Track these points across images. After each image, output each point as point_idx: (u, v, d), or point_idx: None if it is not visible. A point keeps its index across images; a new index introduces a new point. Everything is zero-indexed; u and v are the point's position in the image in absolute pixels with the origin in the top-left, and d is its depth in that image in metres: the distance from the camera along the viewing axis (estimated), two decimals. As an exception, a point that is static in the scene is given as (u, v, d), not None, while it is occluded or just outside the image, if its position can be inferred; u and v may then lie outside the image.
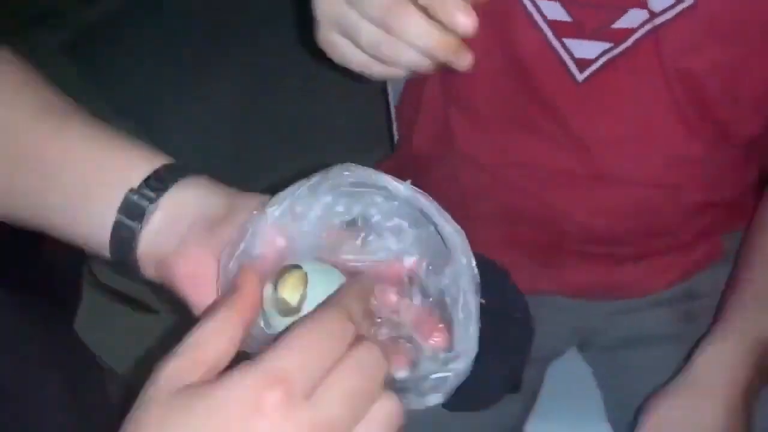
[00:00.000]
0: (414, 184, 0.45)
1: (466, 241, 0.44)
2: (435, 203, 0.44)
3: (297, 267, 0.43)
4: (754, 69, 0.72)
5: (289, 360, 0.34)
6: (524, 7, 0.71)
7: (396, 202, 0.46)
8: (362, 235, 0.46)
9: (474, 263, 0.44)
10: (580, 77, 0.74)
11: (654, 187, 0.80)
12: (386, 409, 0.36)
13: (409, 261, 0.46)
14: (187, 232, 0.47)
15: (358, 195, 0.46)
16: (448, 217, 0.44)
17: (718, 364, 0.71)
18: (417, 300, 0.46)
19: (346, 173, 0.44)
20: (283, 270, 0.42)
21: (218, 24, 2.09)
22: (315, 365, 0.35)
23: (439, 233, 0.45)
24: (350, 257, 0.46)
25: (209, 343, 0.37)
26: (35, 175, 0.50)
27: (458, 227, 0.44)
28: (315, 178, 0.44)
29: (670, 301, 0.87)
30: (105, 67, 2.01)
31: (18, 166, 0.50)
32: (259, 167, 1.78)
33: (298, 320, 0.37)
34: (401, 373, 0.43)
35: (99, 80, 1.97)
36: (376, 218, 0.46)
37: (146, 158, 0.49)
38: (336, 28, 0.53)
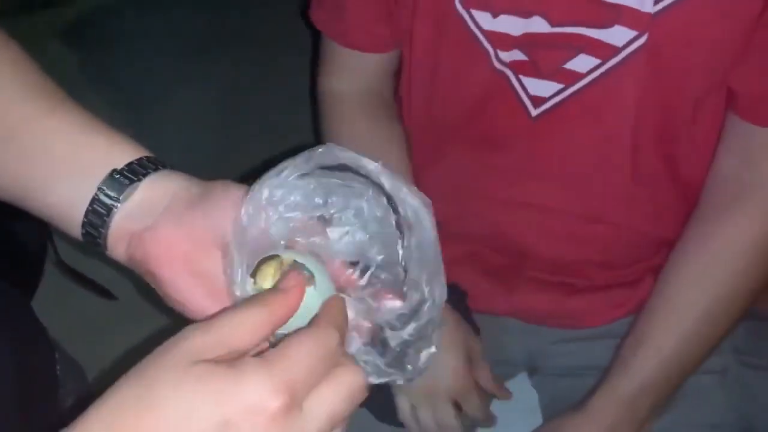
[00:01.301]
0: None
1: (432, 213, 0.49)
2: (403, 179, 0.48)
3: (275, 257, 0.45)
4: (705, 104, 0.76)
5: (297, 371, 0.38)
6: (481, 45, 0.74)
7: (368, 201, 0.49)
8: (330, 229, 0.49)
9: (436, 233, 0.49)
10: (534, 113, 0.77)
11: (601, 223, 0.83)
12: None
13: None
14: (163, 210, 0.49)
15: (336, 187, 0.48)
16: (416, 191, 0.48)
17: (611, 403, 0.79)
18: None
19: (329, 154, 0.47)
20: (261, 261, 0.45)
21: (218, 13, 2.12)
22: (314, 380, 0.39)
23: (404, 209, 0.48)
24: (317, 248, 0.49)
25: (238, 331, 0.39)
26: (17, 150, 0.52)
27: (426, 200, 0.49)
28: (299, 159, 0.47)
29: (616, 335, 0.87)
30: (104, 54, 2.02)
31: (1, 139, 0.52)
32: (249, 156, 1.80)
33: (303, 330, 0.40)
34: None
35: (98, 66, 1.99)
36: (345, 214, 0.49)
37: (130, 146, 0.52)
38: None
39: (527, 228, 0.84)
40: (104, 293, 1.03)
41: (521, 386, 0.97)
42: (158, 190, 0.50)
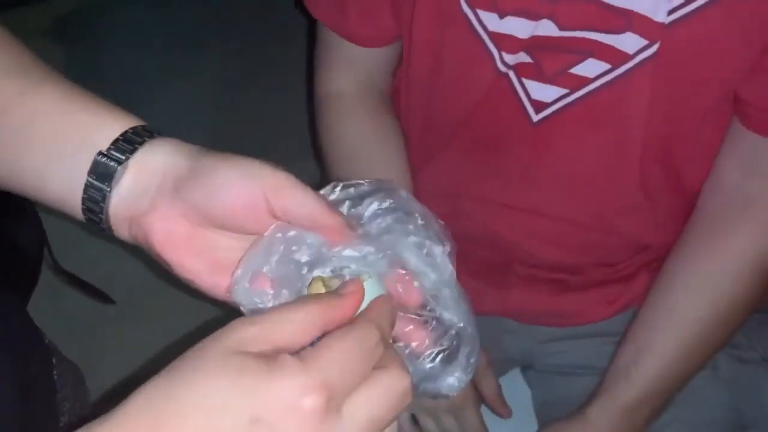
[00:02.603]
0: None
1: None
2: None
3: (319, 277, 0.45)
4: (712, 115, 0.75)
5: (332, 370, 0.36)
6: (486, 46, 0.73)
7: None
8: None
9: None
10: (535, 118, 0.76)
11: (600, 231, 0.82)
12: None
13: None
14: (155, 192, 0.48)
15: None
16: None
17: (611, 413, 0.79)
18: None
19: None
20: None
21: (208, 8, 2.10)
22: (353, 381, 0.37)
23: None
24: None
25: (286, 328, 0.38)
26: (5, 132, 0.50)
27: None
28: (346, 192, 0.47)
29: (610, 333, 0.89)
30: (92, 50, 2.00)
31: None
32: (241, 151, 1.79)
33: (338, 331, 0.39)
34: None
35: (86, 62, 1.97)
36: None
37: (115, 119, 0.50)
38: None
39: (522, 232, 0.84)
40: (102, 296, 1.03)
41: (514, 384, 0.98)
42: (147, 170, 0.48)
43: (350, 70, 0.86)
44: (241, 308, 0.46)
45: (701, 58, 0.69)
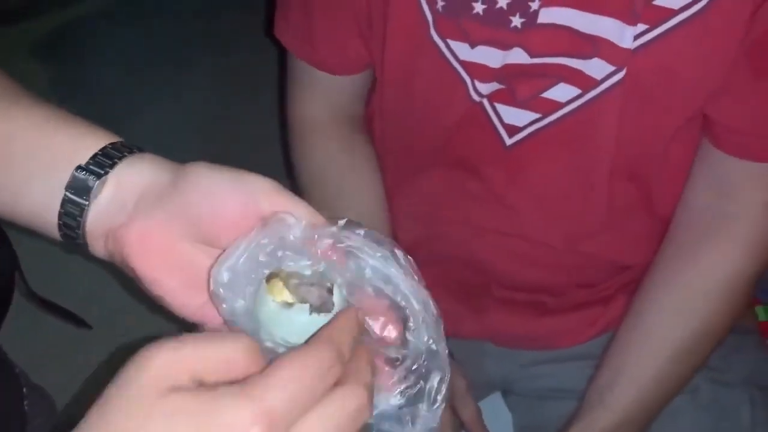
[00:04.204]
0: None
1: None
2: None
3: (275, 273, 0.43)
4: (681, 136, 0.75)
5: (278, 395, 0.34)
6: (459, 75, 0.73)
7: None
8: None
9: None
10: (508, 142, 0.76)
11: (575, 252, 0.83)
12: None
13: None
14: (134, 206, 0.47)
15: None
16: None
17: None
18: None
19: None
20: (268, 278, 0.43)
21: (191, 25, 2.11)
22: (301, 403, 0.35)
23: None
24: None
25: (236, 360, 0.36)
26: None
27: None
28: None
29: (589, 356, 0.88)
30: (76, 68, 2.00)
31: None
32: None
33: (290, 352, 0.36)
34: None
35: (70, 81, 1.97)
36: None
37: (93, 136, 0.50)
38: None
39: (497, 253, 0.84)
40: (76, 321, 1.01)
41: (495, 408, 0.97)
42: (127, 183, 0.48)
43: (321, 97, 0.86)
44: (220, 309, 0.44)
45: (667, 82, 0.70)
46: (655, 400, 0.80)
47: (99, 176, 0.47)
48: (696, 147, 0.78)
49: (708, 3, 0.66)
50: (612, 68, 0.69)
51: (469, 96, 0.74)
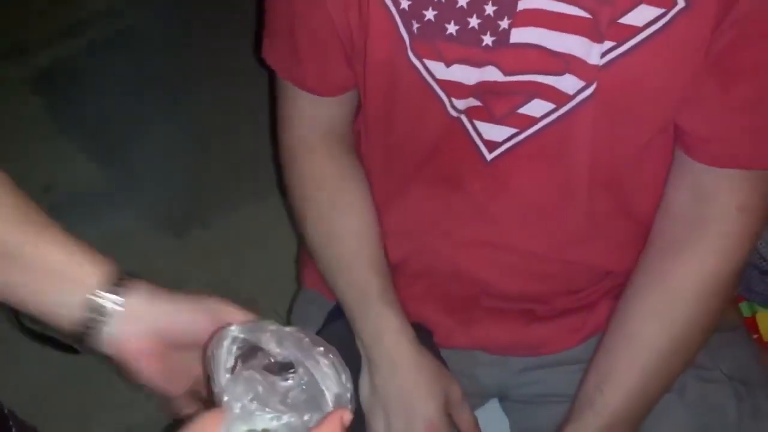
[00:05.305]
0: None
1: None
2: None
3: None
4: (655, 145, 0.78)
5: None
6: (436, 93, 0.76)
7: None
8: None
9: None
10: (489, 157, 0.79)
11: (559, 261, 0.85)
12: None
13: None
14: (135, 327, 0.63)
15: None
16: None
17: None
18: None
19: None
20: None
21: (186, 53, 2.14)
22: None
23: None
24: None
25: None
26: (14, 269, 0.62)
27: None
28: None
29: (578, 361, 0.90)
30: (72, 100, 2.04)
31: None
32: (219, 201, 1.82)
33: None
34: None
35: (68, 113, 2.01)
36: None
37: (100, 264, 0.64)
38: None
39: (486, 265, 0.86)
40: (68, 349, 1.04)
41: (492, 413, 0.99)
42: (133, 312, 0.63)
43: (309, 117, 0.88)
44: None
45: (637, 94, 0.73)
46: (642, 403, 0.81)
47: (115, 303, 0.63)
48: (670, 155, 0.80)
49: (670, 19, 0.69)
50: (582, 83, 0.72)
51: (447, 112, 0.77)
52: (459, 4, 0.72)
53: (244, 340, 0.57)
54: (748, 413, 0.86)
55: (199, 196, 1.84)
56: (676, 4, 0.68)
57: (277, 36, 0.86)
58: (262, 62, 0.89)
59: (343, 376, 0.56)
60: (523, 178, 0.80)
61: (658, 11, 0.69)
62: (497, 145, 0.78)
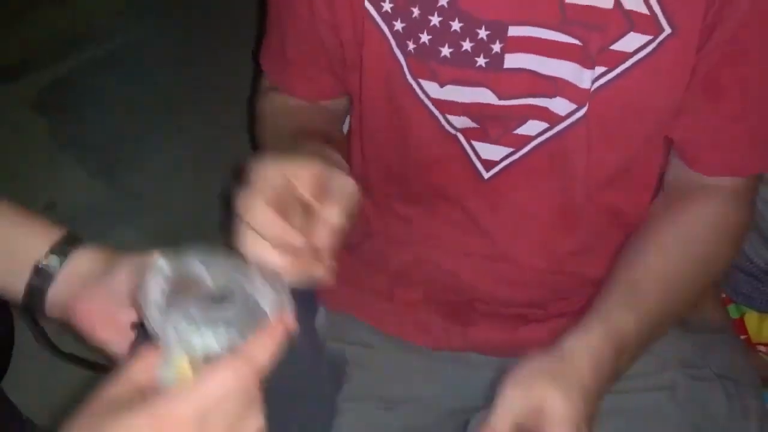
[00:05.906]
0: None
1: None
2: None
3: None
4: (643, 156, 0.82)
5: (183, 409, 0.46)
6: (430, 111, 0.79)
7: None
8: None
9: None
10: (486, 175, 0.82)
11: (553, 270, 0.88)
12: None
13: None
14: (80, 290, 0.65)
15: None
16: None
17: (582, 353, 0.73)
18: None
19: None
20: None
21: (184, 77, 2.15)
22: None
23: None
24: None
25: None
26: None
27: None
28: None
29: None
30: (74, 119, 2.06)
31: None
32: (220, 219, 1.84)
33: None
34: None
35: (68, 132, 2.03)
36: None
37: (48, 234, 0.67)
38: None
39: (481, 276, 0.89)
40: (89, 366, 1.06)
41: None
42: (75, 271, 0.65)
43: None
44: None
45: (628, 116, 0.76)
46: (647, 325, 0.76)
47: (54, 270, 0.65)
48: (660, 161, 0.84)
49: (658, 45, 0.72)
50: (574, 106, 0.76)
51: (444, 129, 0.80)
52: (453, 28, 0.75)
53: (172, 271, 0.54)
54: (737, 411, 0.88)
55: (199, 213, 1.85)
56: (663, 30, 0.72)
57: (270, 39, 0.91)
58: (257, 66, 0.94)
59: (278, 285, 0.55)
60: (519, 194, 0.83)
61: (647, 38, 0.72)
62: (494, 164, 0.82)
